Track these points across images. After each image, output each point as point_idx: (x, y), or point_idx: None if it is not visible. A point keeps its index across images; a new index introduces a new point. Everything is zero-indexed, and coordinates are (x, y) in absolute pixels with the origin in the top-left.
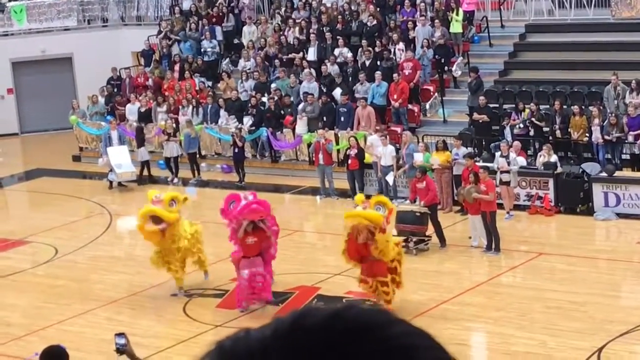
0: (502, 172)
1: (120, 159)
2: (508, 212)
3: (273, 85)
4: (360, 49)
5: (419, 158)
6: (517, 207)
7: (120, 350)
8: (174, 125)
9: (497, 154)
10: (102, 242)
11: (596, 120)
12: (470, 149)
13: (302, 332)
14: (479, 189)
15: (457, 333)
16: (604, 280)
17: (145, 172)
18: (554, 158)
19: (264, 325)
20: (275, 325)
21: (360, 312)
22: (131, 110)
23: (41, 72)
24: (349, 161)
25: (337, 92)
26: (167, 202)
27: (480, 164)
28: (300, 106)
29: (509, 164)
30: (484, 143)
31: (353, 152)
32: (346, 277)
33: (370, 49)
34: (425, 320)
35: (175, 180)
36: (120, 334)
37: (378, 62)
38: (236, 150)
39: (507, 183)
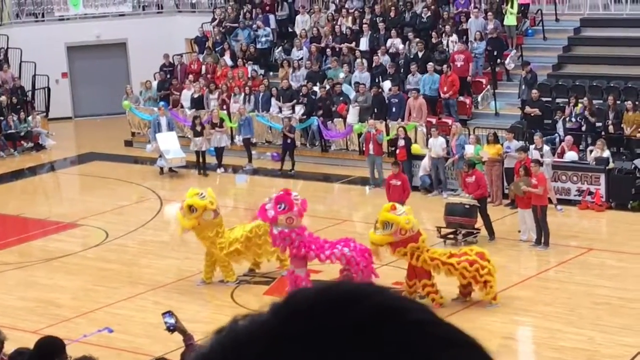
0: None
1: (169, 145)
2: (555, 205)
3: (341, 75)
4: (413, 41)
5: (469, 150)
6: (567, 202)
7: (171, 329)
8: (226, 112)
9: (532, 146)
10: (151, 227)
11: None
12: (521, 143)
13: (293, 306)
14: (529, 182)
15: (505, 326)
16: None
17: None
18: (606, 153)
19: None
20: (272, 306)
21: (350, 284)
22: (185, 96)
23: (95, 57)
24: (397, 151)
25: (386, 85)
26: (186, 208)
27: (532, 157)
28: (352, 96)
29: (542, 156)
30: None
31: (401, 142)
32: (394, 267)
33: (423, 40)
34: (472, 313)
35: (220, 170)
36: (168, 313)
37: (430, 54)
38: (288, 141)
39: None
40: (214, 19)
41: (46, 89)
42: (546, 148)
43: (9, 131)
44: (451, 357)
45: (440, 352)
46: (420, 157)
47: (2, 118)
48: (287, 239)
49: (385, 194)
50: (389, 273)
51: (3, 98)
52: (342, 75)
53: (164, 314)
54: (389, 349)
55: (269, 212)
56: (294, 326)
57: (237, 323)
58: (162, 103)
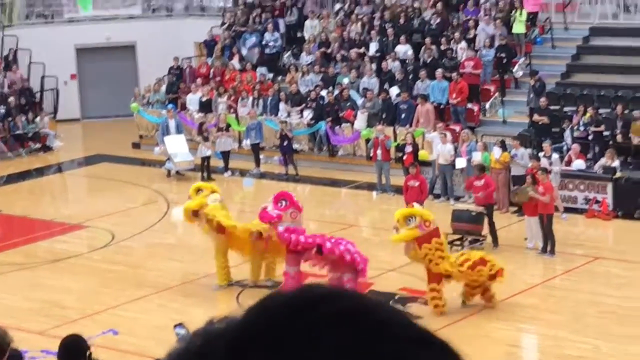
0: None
1: (177, 148)
2: (561, 213)
3: (345, 80)
4: (423, 47)
5: (477, 158)
6: (574, 211)
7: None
8: (234, 116)
9: (541, 154)
10: (158, 230)
11: None
12: (529, 150)
13: (264, 309)
14: (536, 189)
15: (510, 334)
16: None
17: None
18: (616, 163)
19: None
20: (247, 309)
21: (321, 288)
22: (191, 100)
23: (104, 59)
24: (405, 157)
25: (394, 90)
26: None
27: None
28: (361, 101)
29: (550, 164)
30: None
31: (408, 148)
32: (400, 273)
33: (433, 46)
34: (477, 320)
35: (227, 174)
36: (179, 325)
37: (440, 60)
38: (285, 144)
39: None
40: (223, 23)
41: (55, 90)
42: (555, 156)
43: (17, 132)
44: (420, 359)
45: (409, 354)
46: (428, 164)
47: (10, 119)
48: (294, 234)
49: (403, 194)
50: (396, 279)
51: (12, 99)
52: (346, 80)
53: (175, 326)
54: (352, 351)
55: (271, 211)
56: (262, 330)
57: (213, 325)
58: (170, 106)
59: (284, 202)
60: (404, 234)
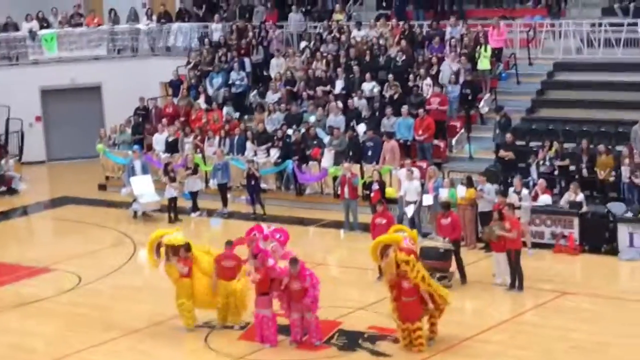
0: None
1: (144, 189)
2: (527, 248)
3: (312, 118)
4: (387, 84)
5: (443, 194)
6: (541, 246)
7: None
8: (201, 155)
9: (511, 189)
10: (125, 272)
11: (627, 160)
12: (495, 186)
13: None
14: (503, 226)
15: None
16: (628, 321)
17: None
18: (580, 197)
19: None
20: None
21: None
22: (158, 140)
23: (70, 101)
24: (372, 195)
25: (361, 128)
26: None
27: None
28: (327, 139)
29: (520, 199)
30: (510, 180)
31: (375, 186)
32: (369, 312)
33: (398, 83)
34: (446, 358)
35: (195, 214)
36: None
37: (407, 97)
38: (252, 183)
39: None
40: (189, 63)
41: (20, 133)
42: (525, 192)
43: None
44: None
45: None
46: (395, 201)
47: None
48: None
49: (370, 232)
50: (365, 317)
51: None
52: (312, 118)
53: None
54: None
55: (265, 229)
56: None
57: None
58: (136, 147)
59: (278, 235)
60: (390, 235)
